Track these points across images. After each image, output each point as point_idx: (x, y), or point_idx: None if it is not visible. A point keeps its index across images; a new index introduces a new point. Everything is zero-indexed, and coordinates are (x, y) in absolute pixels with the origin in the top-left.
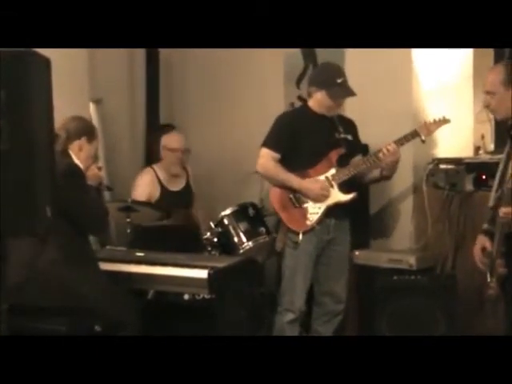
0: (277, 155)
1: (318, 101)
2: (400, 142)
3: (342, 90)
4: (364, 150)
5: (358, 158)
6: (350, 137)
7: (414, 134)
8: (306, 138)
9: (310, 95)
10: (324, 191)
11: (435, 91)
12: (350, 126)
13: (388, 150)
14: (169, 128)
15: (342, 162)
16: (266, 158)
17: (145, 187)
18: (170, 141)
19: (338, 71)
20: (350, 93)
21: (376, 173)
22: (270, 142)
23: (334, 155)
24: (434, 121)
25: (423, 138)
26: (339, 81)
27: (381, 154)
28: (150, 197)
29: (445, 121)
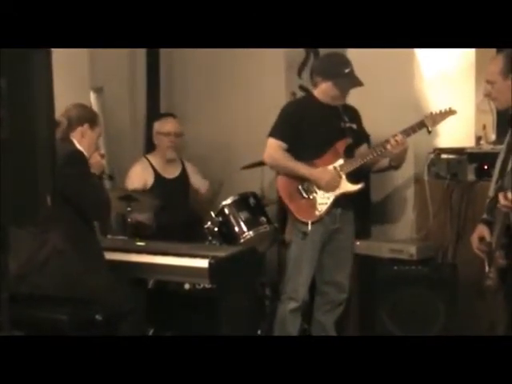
0: (284, 145)
1: (324, 91)
2: (406, 132)
3: (349, 80)
4: (368, 139)
5: (364, 148)
6: (354, 126)
7: (421, 125)
8: (313, 127)
9: (315, 85)
10: (334, 181)
11: (437, 81)
12: (354, 114)
13: (396, 141)
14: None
15: (349, 152)
16: (274, 148)
17: (135, 178)
18: (162, 125)
19: (344, 61)
20: (358, 83)
21: (385, 162)
22: (276, 132)
23: (341, 145)
24: (440, 112)
25: (430, 129)
26: (347, 71)
27: (389, 146)
28: (143, 186)
29: (451, 112)
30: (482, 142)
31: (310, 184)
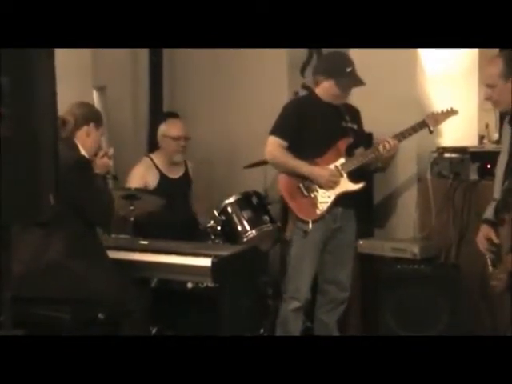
0: (284, 143)
1: (325, 90)
2: (408, 132)
3: (351, 79)
4: (367, 139)
5: (361, 148)
6: (355, 126)
7: (422, 125)
8: (314, 126)
9: (317, 84)
10: (334, 178)
11: (440, 79)
12: (355, 114)
13: (388, 143)
14: (172, 116)
15: (349, 152)
16: (274, 146)
17: (138, 177)
18: (171, 129)
19: (346, 60)
20: (360, 82)
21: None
22: (277, 130)
23: (342, 144)
24: (442, 112)
25: (432, 128)
26: (348, 70)
27: (381, 147)
28: (146, 186)
29: (453, 112)
30: (484, 141)
31: (311, 182)
